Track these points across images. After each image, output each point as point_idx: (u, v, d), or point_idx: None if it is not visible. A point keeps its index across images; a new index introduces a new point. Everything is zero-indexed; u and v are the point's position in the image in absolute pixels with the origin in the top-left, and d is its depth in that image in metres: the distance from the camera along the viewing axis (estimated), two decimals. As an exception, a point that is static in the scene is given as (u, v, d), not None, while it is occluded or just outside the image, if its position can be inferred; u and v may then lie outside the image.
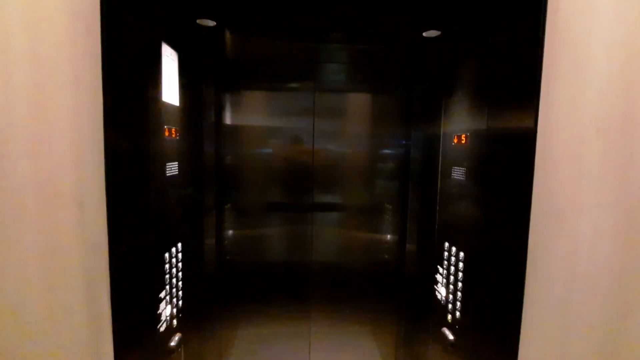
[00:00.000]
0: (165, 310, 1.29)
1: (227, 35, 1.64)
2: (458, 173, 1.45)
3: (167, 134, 1.25)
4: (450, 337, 1.44)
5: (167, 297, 1.30)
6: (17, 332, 0.77)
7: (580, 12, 0.88)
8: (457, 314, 1.43)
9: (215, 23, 1.40)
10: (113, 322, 0.96)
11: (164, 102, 1.22)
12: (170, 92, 1.28)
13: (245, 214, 1.95)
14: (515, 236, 1.03)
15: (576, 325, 0.91)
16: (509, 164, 1.13)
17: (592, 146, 0.88)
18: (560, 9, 0.89)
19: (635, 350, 0.83)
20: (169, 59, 1.26)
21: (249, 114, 1.88)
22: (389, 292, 2.03)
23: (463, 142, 1.43)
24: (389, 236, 2.02)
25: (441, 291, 1.58)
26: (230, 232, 1.93)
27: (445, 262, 1.54)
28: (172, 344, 1.33)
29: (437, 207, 1.66)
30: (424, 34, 1.50)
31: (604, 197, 0.86)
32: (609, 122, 0.85)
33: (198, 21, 1.38)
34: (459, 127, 1.47)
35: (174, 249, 1.35)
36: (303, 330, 2.03)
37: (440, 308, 1.57)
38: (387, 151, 1.97)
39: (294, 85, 1.87)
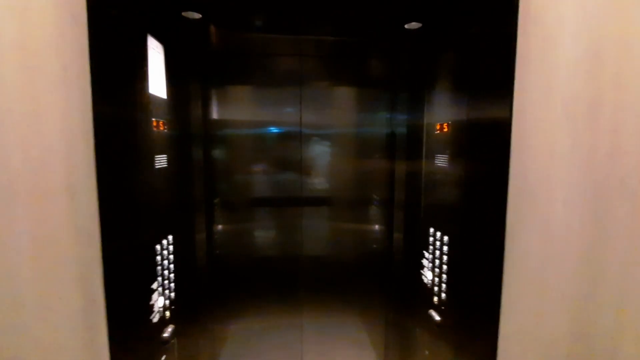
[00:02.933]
0: (158, 302, 1.30)
1: (212, 28, 1.65)
2: (441, 160, 1.51)
3: (155, 126, 1.26)
4: (437, 317, 1.51)
5: (160, 289, 1.32)
6: (10, 322, 0.77)
7: (550, 3, 0.93)
8: (443, 295, 1.49)
9: (200, 15, 1.41)
10: (107, 311, 0.98)
11: (152, 95, 1.23)
12: (158, 84, 1.28)
13: (234, 207, 1.97)
14: (495, 216, 1.09)
15: (551, 296, 0.97)
16: (487, 149, 1.19)
17: (562, 129, 0.94)
18: (532, 1, 0.95)
19: (605, 317, 0.90)
20: (155, 52, 1.26)
21: (236, 107, 1.89)
22: (377, 280, 2.08)
23: (445, 130, 1.48)
24: (376, 226, 2.08)
25: (427, 275, 1.64)
26: (220, 226, 1.95)
27: (431, 247, 1.60)
28: (166, 335, 1.34)
29: (422, 195, 1.72)
30: (406, 26, 1.55)
31: (573, 176, 0.92)
32: (577, 107, 0.91)
33: (183, 13, 1.39)
34: (441, 116, 1.52)
35: (164, 241, 1.36)
36: (295, 322, 2.06)
37: (426, 291, 1.63)
38: (372, 142, 2.02)
39: (280, 78, 1.89)
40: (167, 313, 1.38)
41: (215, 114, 1.84)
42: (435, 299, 1.55)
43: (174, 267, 1.45)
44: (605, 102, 0.87)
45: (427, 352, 1.64)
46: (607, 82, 0.87)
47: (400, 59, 1.84)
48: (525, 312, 1.02)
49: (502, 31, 1.07)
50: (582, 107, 0.91)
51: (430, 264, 1.60)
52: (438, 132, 1.54)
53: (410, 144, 1.84)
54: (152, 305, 1.25)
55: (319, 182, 2.01)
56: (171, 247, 1.42)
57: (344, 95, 2.01)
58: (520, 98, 1.02)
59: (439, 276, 1.52)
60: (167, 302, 1.39)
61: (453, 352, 1.39)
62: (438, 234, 1.54)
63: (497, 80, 1.13)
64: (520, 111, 1.03)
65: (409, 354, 1.88)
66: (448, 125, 1.45)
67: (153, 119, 1.24)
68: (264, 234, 2.03)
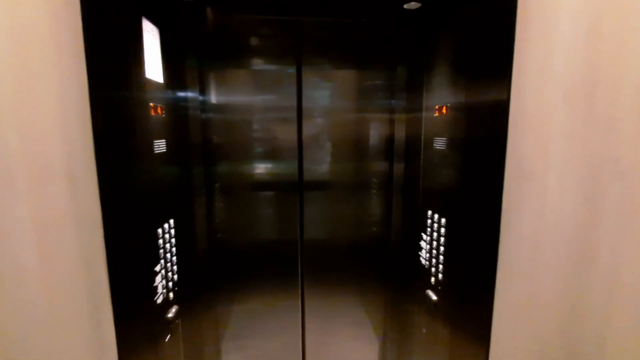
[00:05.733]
0: (161, 284, 1.33)
1: (209, 10, 1.62)
2: (439, 143, 1.51)
3: (152, 111, 1.25)
4: (434, 297, 1.54)
5: (162, 271, 1.35)
6: (15, 305, 0.79)
7: (550, -20, 0.91)
8: (440, 276, 1.53)
9: (195, -3, 1.38)
10: (111, 293, 1.01)
11: (148, 79, 1.22)
12: (154, 68, 1.27)
13: (234, 192, 1.98)
14: (491, 198, 1.10)
15: (544, 276, 1.00)
16: (485, 131, 1.19)
17: (559, 111, 0.94)
18: (532, -22, 0.93)
19: (596, 296, 0.92)
20: (150, 35, 1.25)
21: (233, 90, 1.87)
22: (376, 263, 2.12)
23: (444, 113, 1.48)
24: (375, 209, 2.09)
25: (425, 256, 1.67)
26: (221, 210, 1.97)
27: (429, 229, 1.62)
28: (170, 315, 1.38)
29: (421, 178, 1.72)
30: (405, 6, 1.51)
31: (569, 157, 0.93)
32: (574, 88, 0.91)
33: (178, -5, 1.36)
34: (440, 99, 1.51)
35: (166, 225, 1.38)
36: (296, 303, 2.11)
37: (424, 272, 1.67)
38: (371, 125, 2.01)
39: (278, 61, 1.86)
40: (171, 295, 1.42)
41: (213, 97, 1.83)
42: (433, 279, 1.58)
43: (177, 250, 1.48)
44: (602, 83, 0.86)
45: (424, 330, 1.69)
46: (605, 63, 0.86)
47: (399, 40, 1.81)
48: (519, 291, 1.05)
49: (501, 12, 1.05)
50: (579, 88, 0.90)
51: (428, 246, 1.63)
52: (437, 114, 1.53)
53: (409, 127, 1.83)
54: (156, 287, 1.28)
55: (317, 165, 2.01)
56: (172, 231, 1.44)
57: (343, 77, 1.99)
58: (518, 80, 1.02)
59: (437, 257, 1.55)
60: (171, 284, 1.42)
61: (449, 330, 1.43)
62: (436, 216, 1.56)
63: (496, 62, 1.11)
64: (518, 93, 1.02)
65: (407, 332, 1.93)
66: (447, 108, 1.45)
67: (150, 104, 1.24)
68: (263, 218, 2.05)
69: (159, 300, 1.31)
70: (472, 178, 1.26)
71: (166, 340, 1.36)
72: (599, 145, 0.87)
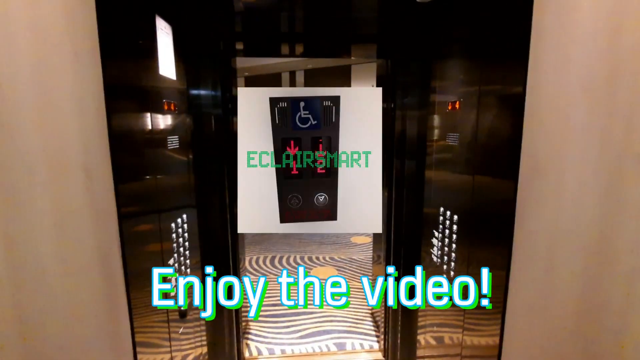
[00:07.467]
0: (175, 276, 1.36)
1: (222, 8, 1.63)
2: (452, 139, 1.49)
3: (166, 107, 1.27)
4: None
5: (176, 265, 1.37)
6: (36, 296, 0.82)
7: (569, -31, 0.88)
8: (452, 273, 1.51)
9: (207, -6, 1.39)
10: (126, 284, 1.03)
11: (162, 76, 1.24)
12: (167, 66, 1.29)
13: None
14: (505, 194, 1.08)
15: (559, 274, 0.97)
16: (499, 126, 1.17)
17: (577, 104, 0.91)
18: (549, -33, 0.90)
19: (613, 296, 0.90)
20: (164, 33, 1.27)
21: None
22: (387, 260, 2.11)
23: (456, 108, 1.45)
24: (387, 205, 2.08)
25: (437, 253, 1.65)
26: (235, 205, 1.98)
27: (440, 226, 1.60)
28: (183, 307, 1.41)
29: (433, 174, 1.70)
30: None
31: (587, 153, 0.90)
32: (594, 80, 0.88)
33: (190, -7, 1.38)
34: (452, 94, 1.49)
35: (179, 219, 1.41)
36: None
37: (436, 269, 1.65)
38: (383, 117, 1.98)
39: (288, 56, 1.87)
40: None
41: (225, 93, 1.84)
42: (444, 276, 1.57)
43: (190, 244, 1.50)
44: (623, 76, 0.83)
45: (435, 328, 1.68)
46: (626, 55, 0.83)
47: (410, 33, 1.78)
48: (533, 289, 1.03)
49: (517, 2, 1.02)
50: (598, 81, 0.87)
51: (440, 243, 1.61)
52: (449, 109, 1.51)
53: (420, 122, 1.81)
54: (170, 280, 1.31)
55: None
56: (185, 226, 1.47)
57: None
58: (534, 73, 0.99)
59: (448, 254, 1.53)
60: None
61: (461, 329, 1.42)
62: (448, 212, 1.54)
63: (511, 55, 1.09)
64: (534, 87, 0.99)
65: (418, 330, 1.92)
66: (460, 103, 1.42)
67: (164, 101, 1.26)
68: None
69: (173, 293, 1.33)
70: (485, 174, 1.23)
71: (180, 332, 1.39)
72: (619, 140, 0.84)
